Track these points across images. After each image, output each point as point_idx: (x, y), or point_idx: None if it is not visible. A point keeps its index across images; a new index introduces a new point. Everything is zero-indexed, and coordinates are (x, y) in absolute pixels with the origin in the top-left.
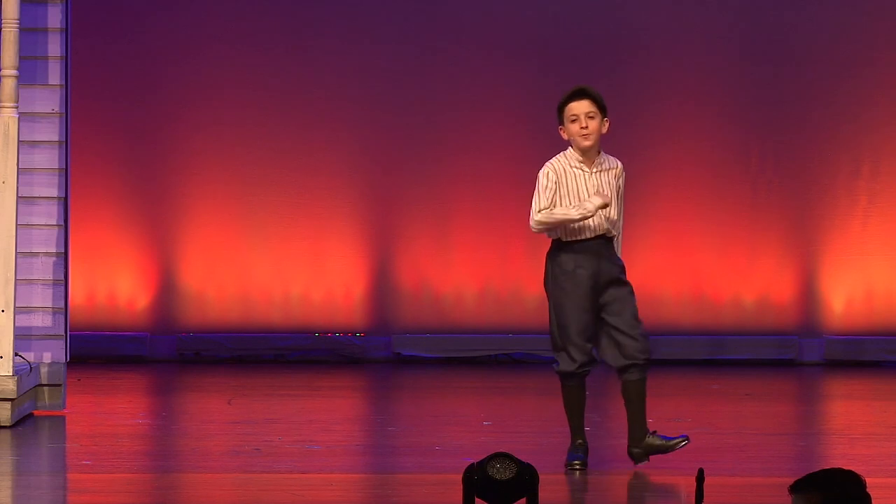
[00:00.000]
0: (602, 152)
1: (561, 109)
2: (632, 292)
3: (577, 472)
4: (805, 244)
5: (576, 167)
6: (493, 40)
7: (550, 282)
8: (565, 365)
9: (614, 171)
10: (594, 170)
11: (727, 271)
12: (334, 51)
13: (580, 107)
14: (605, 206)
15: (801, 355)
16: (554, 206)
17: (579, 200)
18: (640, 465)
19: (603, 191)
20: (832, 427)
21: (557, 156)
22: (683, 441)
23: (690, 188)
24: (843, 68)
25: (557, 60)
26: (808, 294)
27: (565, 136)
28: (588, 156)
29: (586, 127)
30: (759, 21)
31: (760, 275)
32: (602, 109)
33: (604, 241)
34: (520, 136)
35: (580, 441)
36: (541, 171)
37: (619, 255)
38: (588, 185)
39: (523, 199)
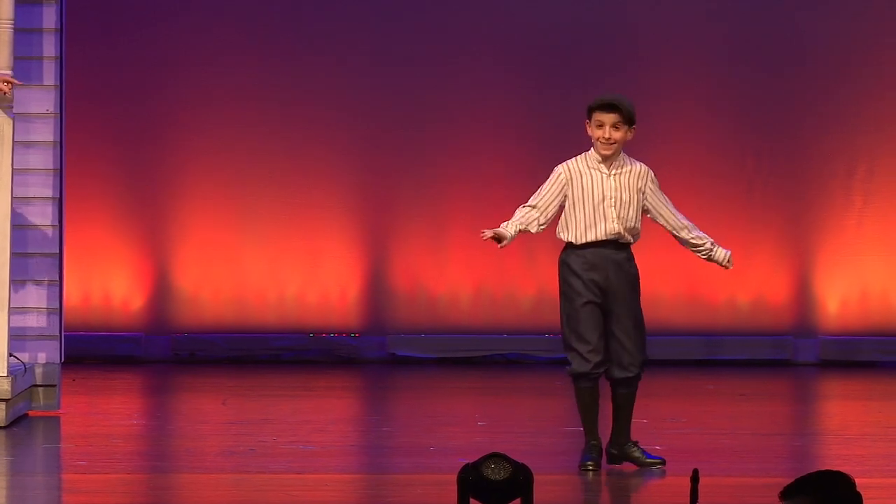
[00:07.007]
0: (624, 155)
1: (590, 110)
2: (635, 300)
3: (591, 474)
4: (800, 244)
5: (594, 168)
6: (487, 43)
7: (562, 283)
8: (578, 365)
9: (636, 173)
10: (613, 172)
11: (722, 272)
12: (329, 53)
13: (608, 118)
14: (496, 239)
15: (796, 355)
16: (547, 207)
17: (596, 201)
18: (612, 465)
19: (621, 193)
20: (827, 427)
21: (578, 156)
22: (660, 464)
23: (685, 188)
24: (839, 69)
25: (552, 62)
26: (803, 294)
27: (590, 134)
28: (608, 160)
29: (609, 137)
30: (755, 22)
31: (755, 275)
32: (629, 121)
33: (615, 246)
34: (514, 138)
35: (594, 442)
36: (555, 168)
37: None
38: (605, 187)
39: (518, 199)
